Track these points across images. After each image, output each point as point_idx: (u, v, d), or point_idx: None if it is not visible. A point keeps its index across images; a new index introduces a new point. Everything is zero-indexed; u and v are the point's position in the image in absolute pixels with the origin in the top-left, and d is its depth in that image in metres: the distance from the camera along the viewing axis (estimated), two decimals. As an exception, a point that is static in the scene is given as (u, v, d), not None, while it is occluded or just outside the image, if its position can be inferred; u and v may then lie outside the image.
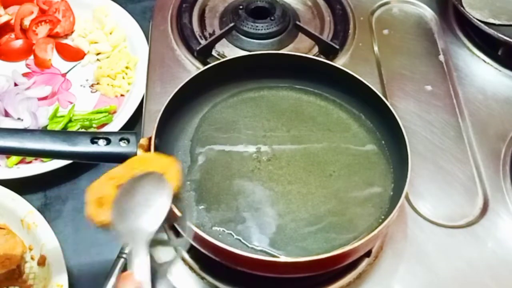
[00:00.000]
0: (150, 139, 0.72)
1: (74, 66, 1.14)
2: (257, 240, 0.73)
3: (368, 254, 0.76)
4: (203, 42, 1.01)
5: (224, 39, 1.02)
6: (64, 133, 0.80)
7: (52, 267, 0.82)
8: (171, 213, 0.60)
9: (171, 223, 0.70)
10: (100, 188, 0.59)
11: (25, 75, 1.11)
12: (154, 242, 0.78)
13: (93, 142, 0.71)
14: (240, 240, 0.73)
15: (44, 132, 0.84)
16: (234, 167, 0.79)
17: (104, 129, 1.02)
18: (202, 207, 0.76)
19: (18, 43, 1.15)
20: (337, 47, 1.01)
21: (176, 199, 0.60)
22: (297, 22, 1.04)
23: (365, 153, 0.82)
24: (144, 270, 0.50)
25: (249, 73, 0.87)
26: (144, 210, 0.57)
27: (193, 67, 0.99)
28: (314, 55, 1.00)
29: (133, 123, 1.03)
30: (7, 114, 1.03)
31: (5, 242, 0.85)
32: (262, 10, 1.06)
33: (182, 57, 1.01)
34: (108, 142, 0.72)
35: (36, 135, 0.71)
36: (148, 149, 0.72)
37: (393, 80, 1.00)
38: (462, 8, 1.06)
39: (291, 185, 0.78)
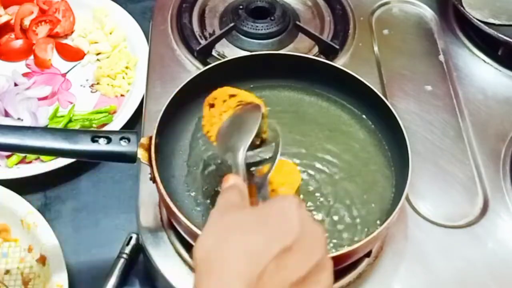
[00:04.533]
0: (151, 138, 0.73)
1: (74, 66, 1.14)
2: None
3: (368, 254, 0.76)
4: (203, 42, 1.01)
5: (224, 39, 1.02)
6: (65, 131, 0.80)
7: (52, 267, 0.82)
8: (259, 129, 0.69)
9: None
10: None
11: (25, 75, 1.11)
12: (154, 243, 0.78)
13: (93, 140, 0.71)
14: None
15: (45, 129, 0.84)
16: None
17: (104, 129, 1.02)
18: (202, 207, 0.76)
19: (18, 43, 1.15)
20: (337, 47, 1.01)
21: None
22: (297, 22, 1.05)
23: (366, 154, 0.82)
24: (241, 176, 0.60)
25: (249, 73, 0.87)
26: (240, 131, 0.67)
27: (193, 67, 0.99)
28: (314, 55, 1.01)
29: (133, 123, 1.03)
30: (7, 114, 1.03)
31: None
32: (262, 10, 1.06)
33: (182, 57, 1.01)
34: (109, 141, 0.72)
35: (37, 133, 0.71)
36: (148, 148, 0.72)
37: (393, 80, 1.00)
38: (462, 8, 1.06)
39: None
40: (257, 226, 0.50)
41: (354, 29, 1.07)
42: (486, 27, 1.02)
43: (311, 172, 0.79)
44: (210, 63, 0.94)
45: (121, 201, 0.95)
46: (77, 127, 1.02)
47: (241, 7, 1.05)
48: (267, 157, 0.68)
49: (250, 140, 0.64)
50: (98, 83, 1.10)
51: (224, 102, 0.76)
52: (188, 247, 0.77)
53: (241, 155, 0.62)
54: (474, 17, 1.04)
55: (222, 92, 0.77)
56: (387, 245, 0.80)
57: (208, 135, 0.72)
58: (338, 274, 0.77)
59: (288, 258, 0.48)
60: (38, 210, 0.88)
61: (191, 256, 0.77)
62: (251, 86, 0.87)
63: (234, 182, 0.58)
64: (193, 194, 0.77)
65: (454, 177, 0.89)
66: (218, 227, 0.52)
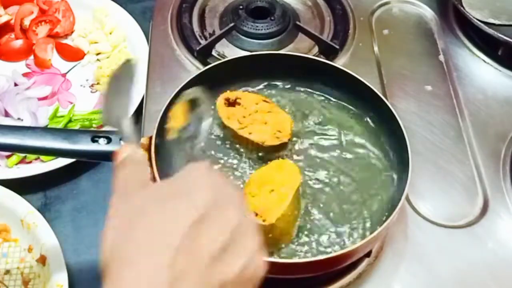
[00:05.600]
0: (151, 138, 0.73)
1: (74, 66, 1.14)
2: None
3: (368, 254, 0.76)
4: (203, 42, 1.01)
5: (224, 39, 1.02)
6: (65, 131, 0.80)
7: (52, 267, 0.82)
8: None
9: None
10: None
11: (25, 75, 1.11)
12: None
13: (93, 140, 0.71)
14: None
15: (45, 129, 0.85)
16: (232, 167, 0.79)
17: (104, 129, 1.02)
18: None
19: (18, 43, 1.15)
20: (337, 47, 1.01)
21: None
22: (297, 22, 1.05)
23: (366, 154, 0.81)
24: (134, 144, 0.56)
25: (249, 73, 0.87)
26: (122, 98, 0.62)
27: (193, 67, 0.99)
28: (314, 55, 1.01)
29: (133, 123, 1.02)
30: (7, 114, 1.03)
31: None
32: (262, 10, 1.06)
33: (182, 57, 1.01)
34: (109, 141, 0.72)
35: (37, 133, 0.71)
36: (148, 149, 0.72)
37: (393, 80, 1.00)
38: (462, 8, 1.06)
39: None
40: (162, 204, 0.45)
41: (354, 29, 1.07)
42: (486, 27, 1.02)
43: (311, 172, 0.79)
44: (210, 63, 0.94)
45: (121, 201, 0.95)
46: (77, 127, 1.02)
47: (241, 7, 1.05)
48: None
49: (129, 101, 0.62)
50: (98, 83, 1.10)
51: (257, 104, 0.80)
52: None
53: (126, 121, 0.58)
54: (474, 17, 1.04)
55: (254, 96, 0.82)
56: (387, 245, 0.80)
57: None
58: (338, 274, 0.77)
59: (202, 230, 0.44)
60: (38, 210, 0.88)
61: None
62: (251, 86, 0.87)
63: (127, 154, 0.52)
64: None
65: (454, 177, 0.89)
66: (119, 216, 0.46)
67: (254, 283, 0.47)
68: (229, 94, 0.82)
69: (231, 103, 0.81)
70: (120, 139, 0.72)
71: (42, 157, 0.97)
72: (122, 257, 0.43)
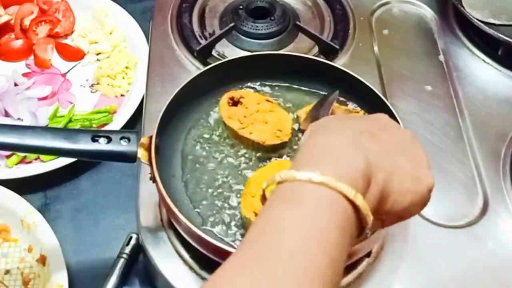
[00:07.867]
0: (151, 138, 0.73)
1: (74, 66, 1.14)
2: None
3: (368, 254, 0.76)
4: (203, 42, 1.01)
5: (224, 39, 1.02)
6: (65, 131, 0.80)
7: (52, 267, 0.82)
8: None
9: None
10: None
11: (25, 75, 1.11)
12: (154, 243, 0.78)
13: (94, 140, 0.71)
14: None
15: (45, 129, 0.85)
16: (232, 167, 0.79)
17: (105, 129, 1.02)
18: (201, 207, 0.76)
19: (18, 43, 1.15)
20: (337, 47, 1.01)
21: None
22: (297, 22, 1.05)
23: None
24: None
25: (249, 73, 0.87)
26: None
27: (193, 67, 0.99)
28: (314, 55, 1.01)
29: (133, 123, 1.03)
30: (7, 114, 1.03)
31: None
32: (262, 10, 1.06)
33: (182, 57, 1.01)
34: (109, 140, 0.72)
35: (37, 132, 0.71)
36: (149, 148, 0.72)
37: (393, 80, 1.00)
38: (462, 8, 1.06)
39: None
40: (356, 119, 0.61)
41: (354, 29, 1.07)
42: (486, 27, 1.02)
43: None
44: (210, 63, 0.94)
45: (121, 201, 0.95)
46: (77, 127, 1.02)
47: (241, 7, 1.05)
48: None
49: None
50: (98, 83, 1.10)
51: (258, 104, 0.80)
52: (188, 247, 0.77)
53: None
54: (474, 17, 1.04)
55: (257, 96, 0.82)
56: (387, 245, 0.80)
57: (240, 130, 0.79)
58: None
59: (380, 134, 0.56)
60: (38, 210, 0.88)
61: (191, 256, 0.77)
62: (251, 86, 0.87)
63: None
64: (191, 193, 0.77)
65: (454, 177, 0.89)
66: (319, 123, 0.59)
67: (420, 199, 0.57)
68: (234, 93, 0.82)
69: (234, 102, 0.81)
70: (121, 139, 0.72)
71: (42, 157, 0.97)
72: (330, 129, 0.57)
